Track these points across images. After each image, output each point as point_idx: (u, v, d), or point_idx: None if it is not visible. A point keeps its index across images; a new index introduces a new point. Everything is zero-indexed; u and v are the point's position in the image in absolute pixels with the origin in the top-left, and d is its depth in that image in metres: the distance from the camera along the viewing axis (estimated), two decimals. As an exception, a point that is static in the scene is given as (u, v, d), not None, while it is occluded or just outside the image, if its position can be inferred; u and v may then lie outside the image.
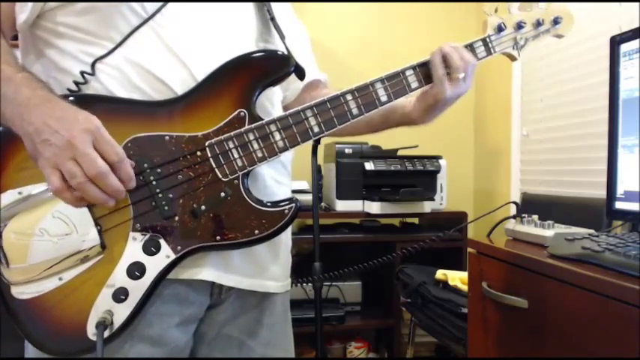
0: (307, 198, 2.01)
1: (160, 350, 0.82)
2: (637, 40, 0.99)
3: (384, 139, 2.33)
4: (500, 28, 0.97)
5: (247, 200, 0.81)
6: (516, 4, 0.98)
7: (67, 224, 0.76)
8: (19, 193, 0.76)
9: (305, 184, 2.25)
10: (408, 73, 0.91)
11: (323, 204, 2.41)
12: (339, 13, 2.68)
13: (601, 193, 1.10)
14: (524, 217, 1.13)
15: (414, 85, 0.92)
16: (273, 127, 0.83)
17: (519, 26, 0.97)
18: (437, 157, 2.32)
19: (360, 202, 2.28)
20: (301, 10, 1.11)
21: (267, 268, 0.91)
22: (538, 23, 0.98)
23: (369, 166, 2.22)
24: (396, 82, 0.90)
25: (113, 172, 0.72)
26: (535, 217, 1.10)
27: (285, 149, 0.84)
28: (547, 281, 0.90)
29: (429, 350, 2.43)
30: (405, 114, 1.01)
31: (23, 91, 0.73)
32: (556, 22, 0.99)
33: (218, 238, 0.80)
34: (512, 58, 1.00)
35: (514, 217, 1.17)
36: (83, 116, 0.71)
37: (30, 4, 0.78)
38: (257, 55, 0.86)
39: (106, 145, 0.71)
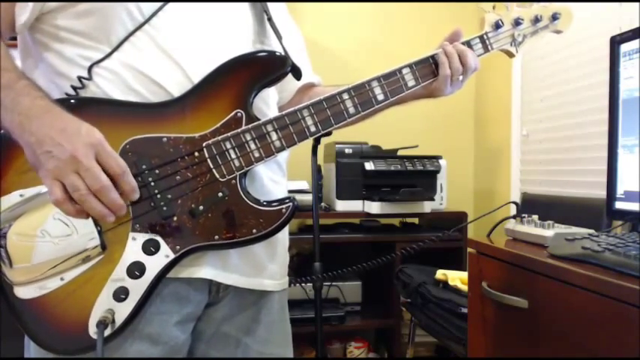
0: (307, 198, 2.03)
1: (159, 348, 0.82)
2: (637, 40, 0.99)
3: (384, 139, 2.34)
4: (497, 25, 0.97)
5: (245, 200, 0.81)
6: (515, 3, 0.99)
7: (68, 225, 0.77)
8: (21, 195, 0.77)
9: (305, 184, 2.25)
10: (405, 71, 0.92)
11: (323, 204, 2.40)
12: (338, 13, 2.67)
13: (601, 193, 1.10)
14: (524, 217, 1.13)
15: (411, 83, 0.93)
16: (269, 127, 0.83)
17: (517, 23, 0.98)
18: (437, 157, 2.32)
19: (360, 202, 2.28)
20: (301, 10, 1.11)
21: (264, 267, 0.92)
22: (536, 19, 0.99)
23: (369, 166, 2.22)
24: (392, 81, 0.91)
25: (117, 184, 0.73)
26: (535, 217, 1.10)
27: (282, 149, 0.84)
28: (547, 281, 0.90)
29: (429, 350, 2.43)
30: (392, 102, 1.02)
31: (23, 101, 0.72)
32: (555, 17, 1.00)
33: (216, 237, 0.81)
34: (511, 55, 1.01)
35: (514, 217, 1.17)
36: (85, 129, 0.72)
37: (30, 5, 0.78)
38: (254, 55, 0.86)
39: (108, 158, 0.72)
